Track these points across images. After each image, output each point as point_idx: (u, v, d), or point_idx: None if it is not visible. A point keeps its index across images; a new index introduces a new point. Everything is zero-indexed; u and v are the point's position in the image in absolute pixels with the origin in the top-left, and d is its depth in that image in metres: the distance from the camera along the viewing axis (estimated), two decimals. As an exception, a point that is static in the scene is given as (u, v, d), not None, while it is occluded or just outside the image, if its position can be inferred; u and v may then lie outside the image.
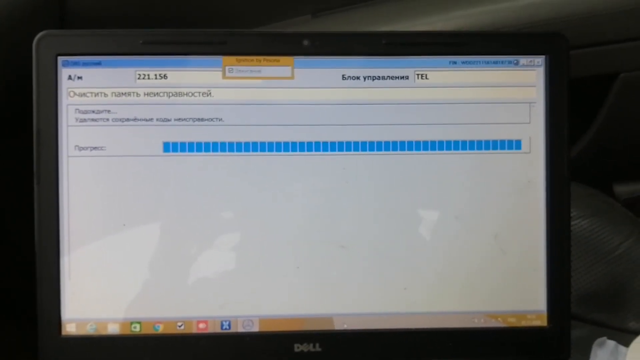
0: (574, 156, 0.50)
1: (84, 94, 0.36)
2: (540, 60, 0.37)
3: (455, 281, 0.37)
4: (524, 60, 0.37)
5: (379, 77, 0.37)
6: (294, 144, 0.37)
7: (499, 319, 0.37)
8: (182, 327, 0.36)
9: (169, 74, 0.36)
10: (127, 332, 0.36)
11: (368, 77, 0.37)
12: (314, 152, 0.37)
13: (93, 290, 0.36)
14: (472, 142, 0.37)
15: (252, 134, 0.36)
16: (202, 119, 0.36)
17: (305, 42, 0.36)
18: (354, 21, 0.49)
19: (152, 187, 0.36)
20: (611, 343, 0.39)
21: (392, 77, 0.37)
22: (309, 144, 0.37)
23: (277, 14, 0.51)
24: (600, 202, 0.46)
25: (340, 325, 0.37)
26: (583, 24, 0.43)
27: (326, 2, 0.50)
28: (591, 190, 0.46)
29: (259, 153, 0.36)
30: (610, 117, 0.47)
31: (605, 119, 0.47)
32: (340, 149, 0.37)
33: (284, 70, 0.37)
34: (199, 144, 0.36)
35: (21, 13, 0.42)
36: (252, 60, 0.36)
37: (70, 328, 0.36)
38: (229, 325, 0.37)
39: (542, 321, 0.37)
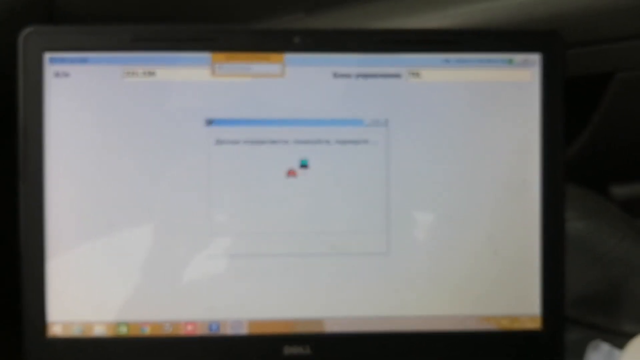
0: (570, 157, 0.49)
1: (71, 91, 0.35)
2: (535, 58, 0.37)
3: (448, 283, 0.36)
4: (518, 58, 0.37)
5: (371, 74, 0.36)
6: (283, 143, 0.36)
7: (492, 321, 0.37)
8: (170, 329, 0.36)
9: (157, 71, 0.36)
10: (114, 333, 0.36)
11: (360, 74, 0.36)
12: (304, 152, 0.36)
13: (79, 292, 0.36)
14: (465, 141, 0.36)
15: (241, 133, 0.36)
16: (190, 118, 0.36)
17: (296, 39, 0.36)
18: (348, 19, 0.48)
19: (139, 186, 0.36)
20: (605, 346, 0.39)
21: (384, 75, 0.36)
22: (299, 142, 0.36)
23: (269, 12, 0.51)
24: (596, 204, 0.45)
25: (330, 327, 0.36)
26: (578, 22, 0.43)
27: (319, 0, 0.49)
28: (587, 192, 0.46)
29: (248, 153, 0.36)
30: (607, 118, 0.47)
31: (601, 120, 0.47)
32: (331, 148, 0.36)
33: (274, 68, 0.36)
34: (186, 144, 0.36)
35: (9, 10, 0.41)
36: (241, 57, 0.36)
37: (56, 329, 0.36)
38: (218, 327, 0.36)
39: (536, 324, 0.37)
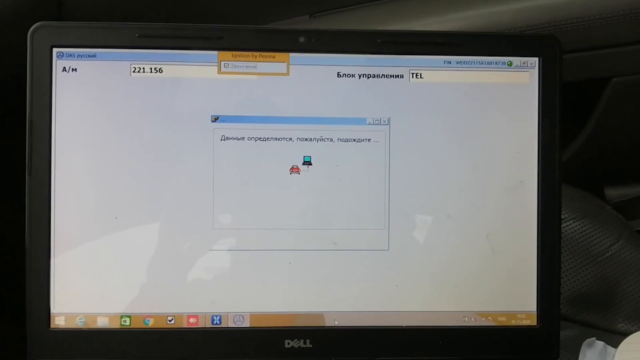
0: (567, 159, 0.50)
1: (78, 86, 0.36)
2: (533, 61, 0.37)
3: (446, 279, 0.37)
4: (517, 61, 0.37)
5: (374, 75, 0.37)
6: (287, 140, 0.37)
7: (490, 317, 0.37)
8: (173, 322, 0.36)
9: (164, 67, 0.36)
10: (116, 325, 0.36)
11: (363, 75, 0.37)
12: (307, 149, 0.37)
13: (83, 284, 0.36)
14: (465, 141, 0.37)
15: (246, 130, 0.36)
16: (196, 114, 0.36)
17: (302, 39, 0.37)
18: (351, 22, 0.49)
19: (145, 181, 0.36)
20: (600, 343, 0.40)
21: (387, 76, 0.37)
22: (303, 140, 0.37)
23: (274, 14, 0.52)
24: (591, 205, 0.46)
25: (331, 321, 0.37)
26: (576, 28, 0.44)
27: (324, 3, 0.50)
28: (582, 193, 0.47)
29: (252, 150, 0.37)
30: (602, 121, 0.48)
31: (597, 123, 0.48)
32: (334, 146, 0.37)
33: (279, 67, 0.37)
34: (192, 140, 0.36)
35: (19, 8, 0.42)
36: (247, 55, 0.37)
37: (59, 321, 0.36)
38: (220, 320, 0.36)
39: (532, 321, 0.37)
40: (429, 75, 0.37)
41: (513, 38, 0.38)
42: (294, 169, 0.37)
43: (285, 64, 0.37)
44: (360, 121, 0.37)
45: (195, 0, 0.50)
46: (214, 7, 0.49)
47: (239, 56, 0.37)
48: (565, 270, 0.44)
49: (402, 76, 0.37)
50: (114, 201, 0.36)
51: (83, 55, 0.36)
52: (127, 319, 0.36)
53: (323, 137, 0.37)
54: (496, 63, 0.37)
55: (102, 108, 0.36)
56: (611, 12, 0.44)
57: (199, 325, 0.36)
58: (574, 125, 0.50)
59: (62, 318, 0.36)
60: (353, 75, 0.37)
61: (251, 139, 0.37)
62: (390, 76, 0.37)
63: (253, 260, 0.36)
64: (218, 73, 0.36)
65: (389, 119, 0.37)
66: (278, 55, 0.37)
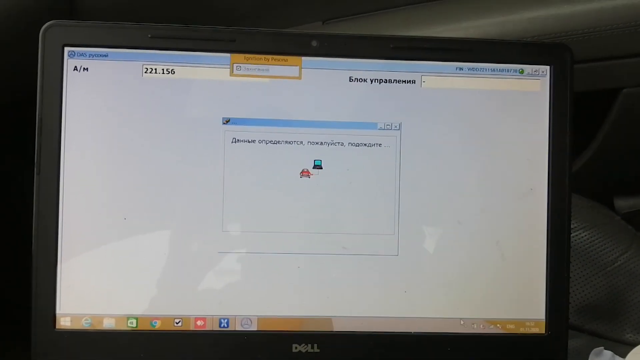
0: (577, 169, 0.50)
1: (89, 86, 0.36)
2: (545, 70, 0.38)
3: (455, 286, 0.37)
4: (529, 69, 0.37)
5: (386, 80, 0.37)
6: (298, 143, 0.37)
7: (498, 325, 0.37)
8: (180, 324, 0.36)
9: (176, 69, 0.36)
10: (123, 327, 0.36)
11: (375, 79, 0.37)
12: (318, 153, 0.37)
13: (90, 284, 0.36)
14: (476, 148, 0.37)
15: (257, 133, 0.36)
16: (207, 116, 0.36)
17: (314, 43, 0.37)
18: (363, 29, 0.49)
19: (154, 182, 0.36)
20: (608, 353, 0.39)
21: (398, 81, 0.37)
22: (314, 144, 0.37)
23: (287, 21, 0.52)
24: (600, 215, 0.46)
25: (339, 326, 0.37)
26: (587, 38, 0.44)
27: (336, 10, 0.50)
28: (592, 203, 0.47)
29: (263, 153, 0.36)
30: (613, 132, 0.48)
31: (607, 134, 0.48)
32: (345, 150, 0.37)
33: (291, 70, 0.37)
34: (203, 142, 0.36)
35: (31, 7, 0.42)
36: (260, 58, 0.37)
37: (64, 322, 0.36)
38: (227, 323, 0.36)
39: (540, 329, 0.37)
40: (440, 82, 0.37)
41: (525, 46, 0.38)
42: (305, 173, 0.37)
43: (298, 67, 0.37)
44: (372, 126, 0.37)
45: (207, 6, 0.50)
46: (226, 14, 0.49)
47: (252, 59, 0.37)
48: (574, 280, 0.44)
49: (414, 82, 0.37)
50: (122, 202, 0.36)
51: (95, 55, 0.36)
52: (134, 321, 0.36)
53: (334, 141, 0.37)
54: (508, 70, 0.37)
55: (113, 108, 0.36)
56: (622, 22, 0.44)
57: (206, 328, 0.36)
58: (584, 135, 0.50)
59: (68, 319, 0.36)
60: (365, 80, 0.37)
61: (262, 141, 0.37)
62: (402, 81, 0.37)
63: (262, 264, 0.36)
64: (230, 75, 0.36)
65: (400, 124, 0.37)
66: (290, 58, 0.37)
